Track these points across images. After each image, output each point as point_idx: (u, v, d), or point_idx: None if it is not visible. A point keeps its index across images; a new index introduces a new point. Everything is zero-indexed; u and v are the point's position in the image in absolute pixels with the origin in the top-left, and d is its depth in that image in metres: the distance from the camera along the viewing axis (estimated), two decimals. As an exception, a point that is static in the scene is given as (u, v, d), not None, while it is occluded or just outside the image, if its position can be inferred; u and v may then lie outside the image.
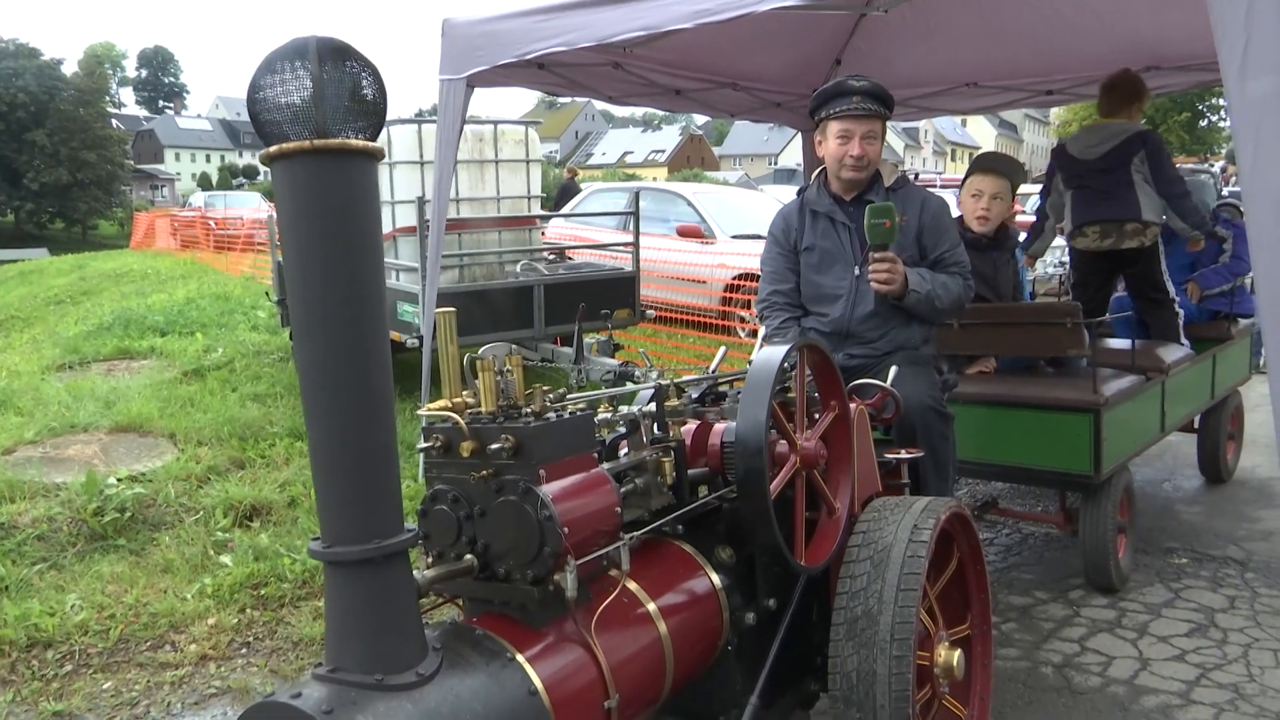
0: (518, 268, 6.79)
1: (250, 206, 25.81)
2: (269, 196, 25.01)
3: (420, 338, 6.02)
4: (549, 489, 1.64)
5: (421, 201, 6.64)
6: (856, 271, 3.14)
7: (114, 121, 60.06)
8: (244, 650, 3.79)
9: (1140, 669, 3.27)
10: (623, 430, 2.10)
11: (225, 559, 4.39)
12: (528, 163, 7.05)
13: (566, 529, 1.61)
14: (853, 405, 2.41)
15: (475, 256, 6.80)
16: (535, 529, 1.61)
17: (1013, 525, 4.69)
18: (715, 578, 2.12)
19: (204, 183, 65.49)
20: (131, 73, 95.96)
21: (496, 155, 6.87)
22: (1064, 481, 3.75)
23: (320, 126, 1.37)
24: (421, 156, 6.57)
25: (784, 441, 2.16)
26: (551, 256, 7.74)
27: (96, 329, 8.93)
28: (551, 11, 4.24)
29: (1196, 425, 5.01)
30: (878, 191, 3.20)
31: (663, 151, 72.16)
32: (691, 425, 2.25)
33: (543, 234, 8.10)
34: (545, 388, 1.83)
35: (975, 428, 3.69)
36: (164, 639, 3.84)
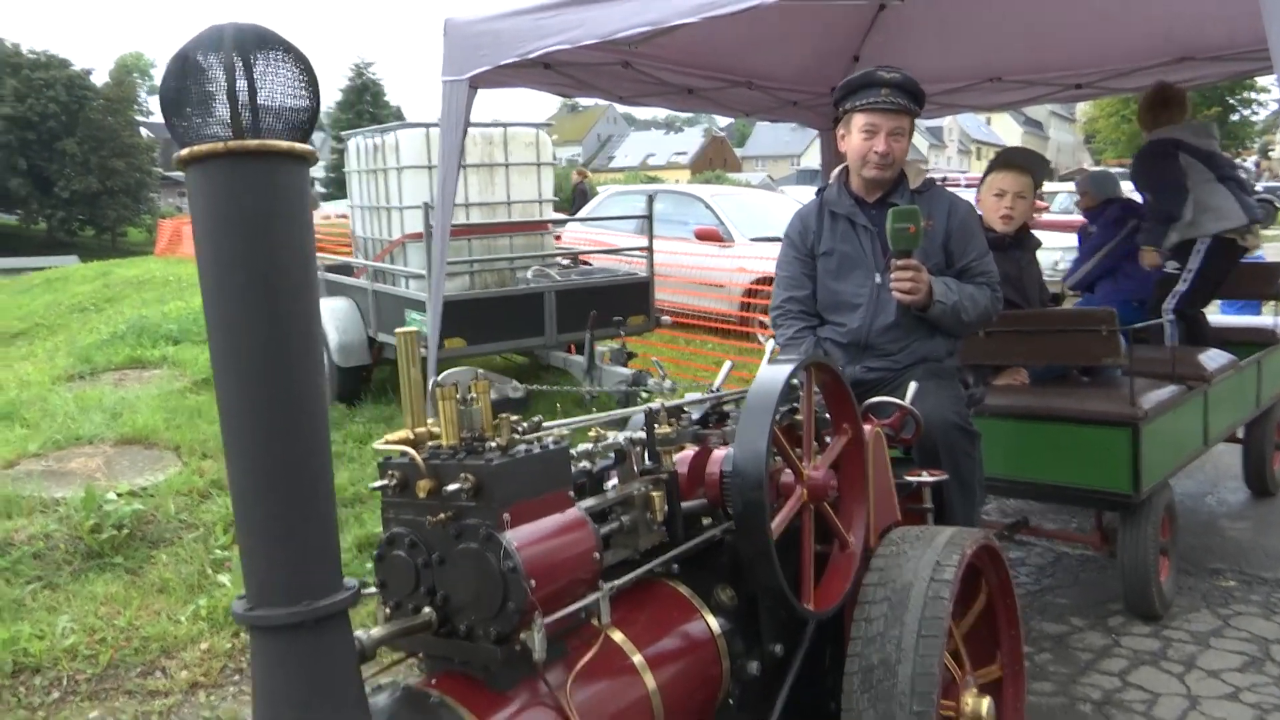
0: (529, 274, 6.61)
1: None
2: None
3: (424, 346, 5.86)
4: (514, 535, 1.45)
5: (428, 207, 6.53)
6: (878, 279, 2.91)
7: (143, 129, 60.72)
8: (236, 677, 3.63)
9: (1189, 708, 3.01)
10: (610, 460, 1.90)
11: (223, 578, 4.25)
12: (539, 166, 6.87)
13: (534, 581, 1.42)
14: (868, 427, 2.20)
15: (486, 262, 6.63)
16: (498, 581, 1.41)
17: (1046, 544, 4.44)
18: (714, 622, 1.91)
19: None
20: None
21: (506, 159, 6.70)
22: (1101, 500, 3.50)
23: (238, 126, 1.19)
24: (430, 161, 6.41)
25: (789, 470, 1.95)
26: (566, 262, 7.57)
27: (111, 338, 8.86)
28: (553, 8, 4.07)
29: (1241, 435, 4.73)
30: (902, 194, 2.98)
31: (685, 154, 71.87)
32: (689, 452, 2.04)
33: (557, 238, 7.93)
34: (513, 418, 1.63)
35: (1004, 442, 3.46)
36: (155, 664, 3.69)
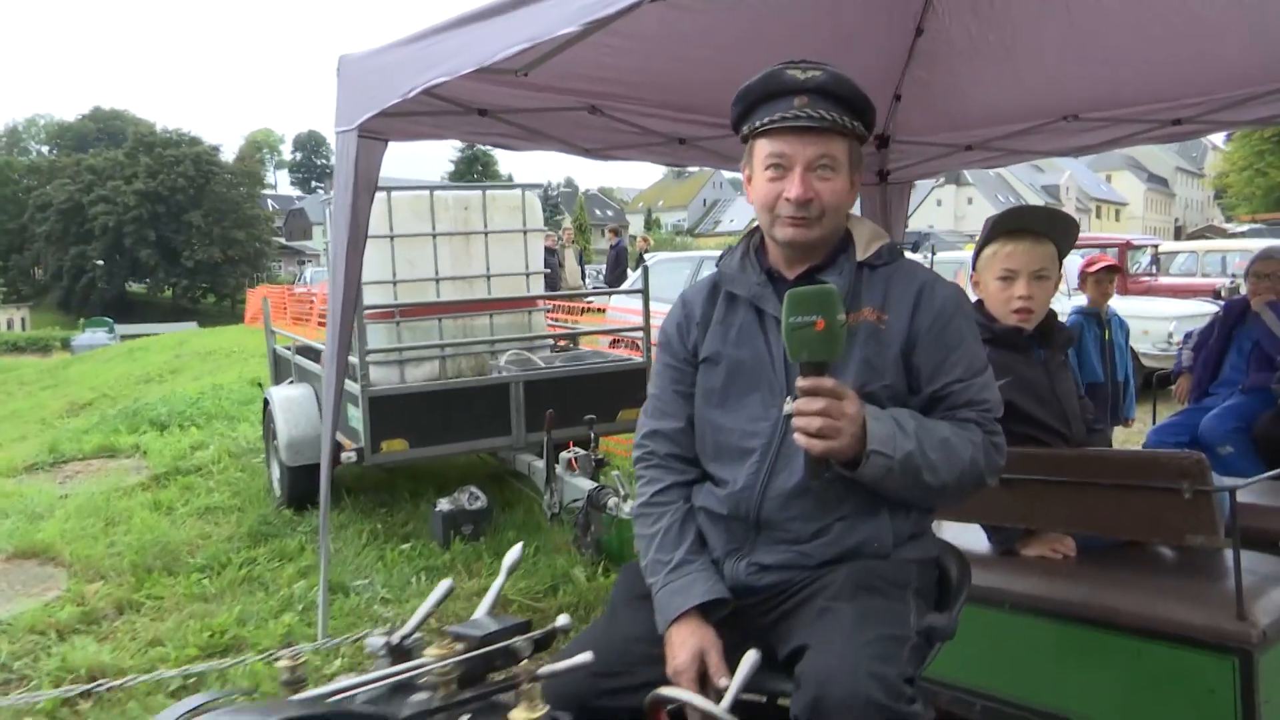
0: (501, 360, 5.62)
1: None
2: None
3: (359, 449, 4.92)
4: None
5: (395, 282, 5.65)
6: (788, 407, 1.73)
7: (269, 202, 63.86)
8: None
9: None
10: None
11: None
12: (525, 233, 5.92)
13: None
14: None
15: (461, 346, 5.68)
16: None
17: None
18: None
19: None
20: (288, 156, 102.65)
21: (486, 226, 5.78)
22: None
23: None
24: (391, 229, 5.55)
25: None
26: (565, 344, 6.56)
27: (100, 421, 8.31)
28: (435, 34, 3.12)
29: None
30: (841, 267, 1.84)
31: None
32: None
33: (551, 314, 6.92)
34: None
35: (1034, 654, 2.21)
36: None
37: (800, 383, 1.59)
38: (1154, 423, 4.24)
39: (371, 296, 5.62)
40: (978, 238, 2.56)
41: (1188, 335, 4.47)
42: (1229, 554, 2.05)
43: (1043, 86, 4.25)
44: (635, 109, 4.20)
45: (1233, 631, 1.96)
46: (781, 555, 1.75)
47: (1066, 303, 9.21)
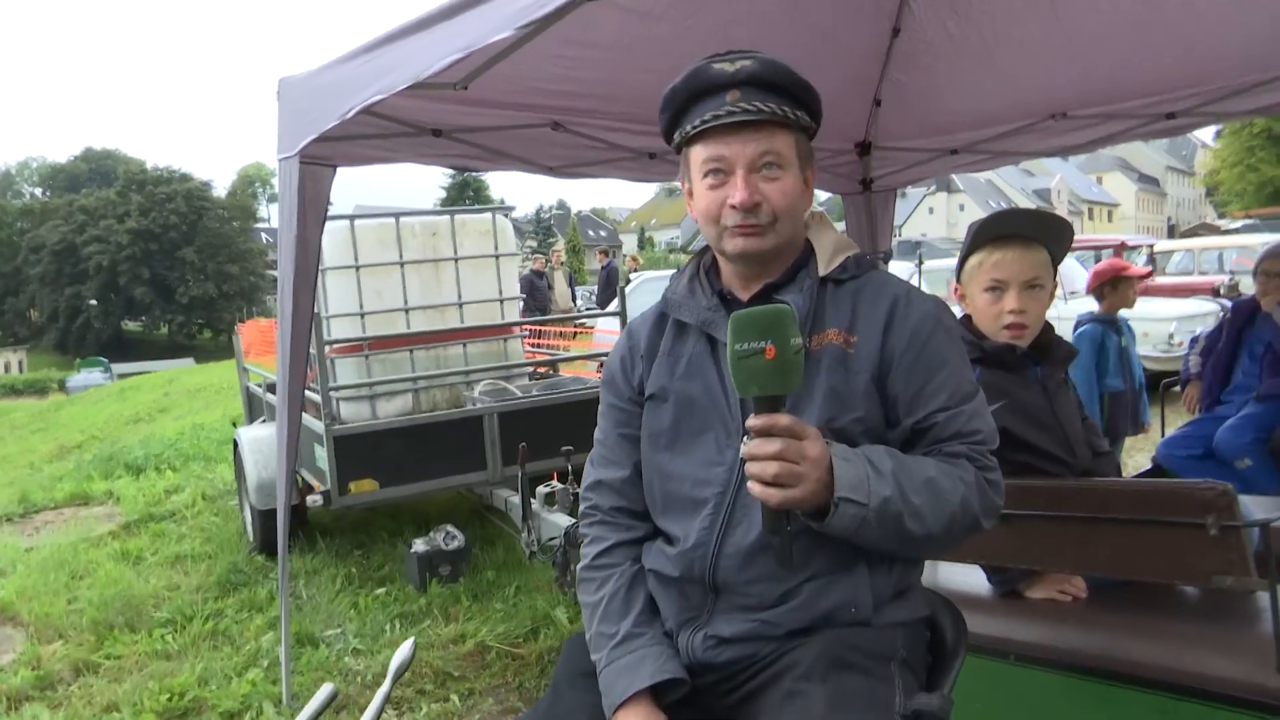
0: (475, 390, 5.38)
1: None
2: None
3: (325, 493, 4.67)
4: None
5: (363, 314, 5.42)
6: (744, 448, 1.47)
7: (262, 235, 63.69)
8: None
9: None
10: None
11: None
12: (497, 258, 5.70)
13: None
14: None
15: (434, 378, 5.44)
16: None
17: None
18: None
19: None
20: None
21: (456, 252, 5.55)
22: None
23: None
24: (356, 259, 5.32)
25: None
26: (544, 372, 6.33)
27: (75, 467, 8.05)
28: (371, 50, 2.91)
29: None
30: (802, 282, 1.60)
31: (784, 229, 70.76)
32: None
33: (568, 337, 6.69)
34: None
35: (1038, 712, 1.96)
36: None
37: (751, 421, 1.35)
38: (1163, 434, 3.99)
39: (338, 330, 5.40)
40: (961, 245, 2.31)
41: (1194, 340, 4.23)
42: (1264, 595, 1.80)
43: (1028, 85, 4.05)
44: (600, 124, 4.00)
45: (1274, 688, 1.71)
46: (743, 625, 1.50)
47: (1064, 308, 8.96)
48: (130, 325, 57.13)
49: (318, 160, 3.45)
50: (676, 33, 3.31)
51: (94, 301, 52.23)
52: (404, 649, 1.34)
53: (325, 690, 1.25)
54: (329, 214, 3.76)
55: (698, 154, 1.56)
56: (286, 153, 3.40)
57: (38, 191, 77.19)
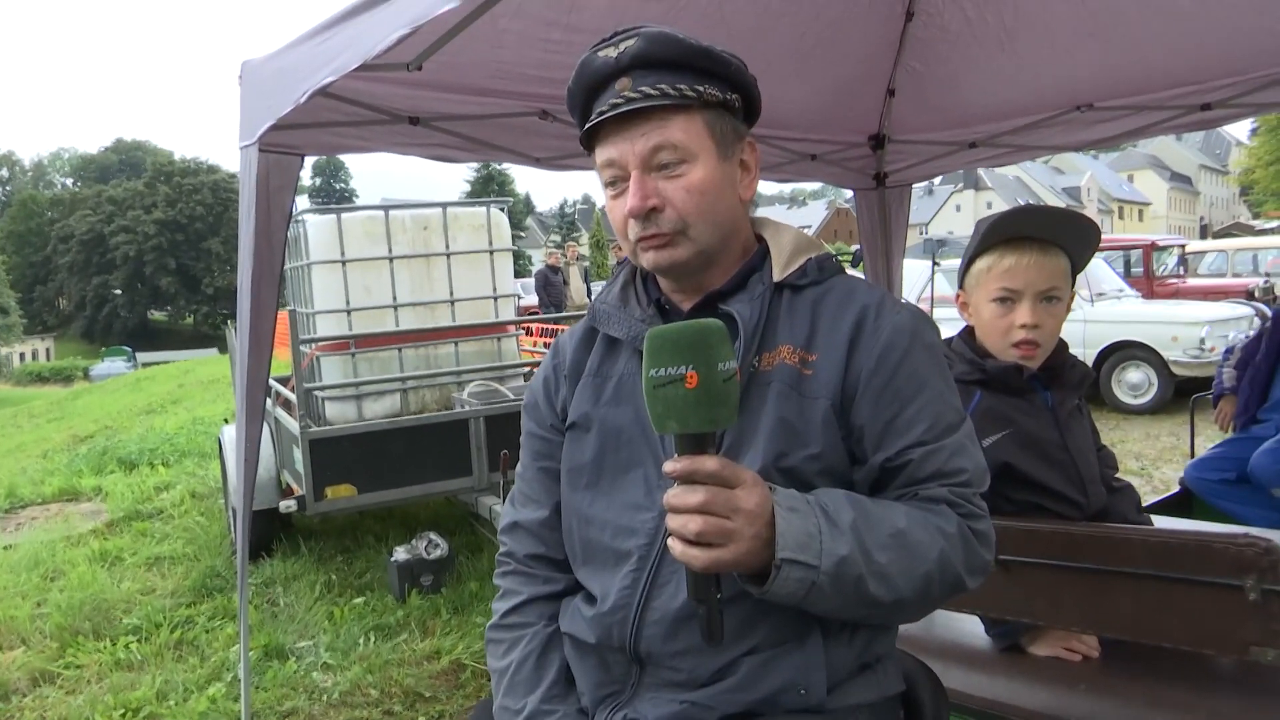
0: (464, 392, 5.14)
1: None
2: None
3: (300, 498, 4.45)
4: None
5: (350, 311, 5.20)
6: (668, 494, 1.19)
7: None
8: None
9: None
10: None
11: None
12: (491, 253, 5.46)
13: None
14: None
15: (423, 378, 5.21)
16: None
17: None
18: None
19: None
20: (307, 180, 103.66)
21: (448, 247, 5.32)
22: None
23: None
24: (343, 253, 5.10)
25: None
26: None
27: (68, 461, 7.92)
28: (329, 27, 2.67)
29: None
30: (753, 289, 1.33)
31: (809, 227, 70.18)
32: None
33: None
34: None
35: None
36: None
37: (669, 465, 1.08)
38: (1192, 453, 3.66)
39: (324, 327, 5.19)
40: (967, 245, 2.01)
41: (1228, 351, 3.88)
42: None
43: (1052, 73, 3.75)
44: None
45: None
46: (669, 706, 1.23)
47: (1090, 310, 8.56)
48: (156, 315, 57.64)
49: (282, 149, 3.22)
50: (669, 15, 3.05)
51: (119, 291, 52.72)
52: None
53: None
54: (318, 208, 3.51)
55: (598, 158, 1.30)
56: (246, 140, 3.16)
57: (69, 182, 78.07)
